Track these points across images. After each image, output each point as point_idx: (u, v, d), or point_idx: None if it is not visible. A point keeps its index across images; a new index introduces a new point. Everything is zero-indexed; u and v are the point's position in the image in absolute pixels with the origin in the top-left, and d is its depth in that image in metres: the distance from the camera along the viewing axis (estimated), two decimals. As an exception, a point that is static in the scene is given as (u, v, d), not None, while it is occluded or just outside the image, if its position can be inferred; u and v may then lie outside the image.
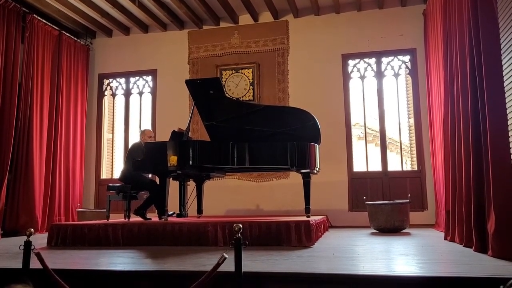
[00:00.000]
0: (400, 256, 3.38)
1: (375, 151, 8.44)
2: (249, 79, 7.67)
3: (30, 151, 6.65)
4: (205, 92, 5.31)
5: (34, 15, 6.97)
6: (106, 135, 8.36)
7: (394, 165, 7.71)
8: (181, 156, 4.80)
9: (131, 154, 5.56)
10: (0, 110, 6.26)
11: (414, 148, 7.12)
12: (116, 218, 5.80)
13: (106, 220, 5.21)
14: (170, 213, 5.44)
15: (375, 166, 7.30)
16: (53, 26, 7.42)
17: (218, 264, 2.33)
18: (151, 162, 5.00)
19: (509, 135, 3.29)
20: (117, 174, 8.06)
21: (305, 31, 7.61)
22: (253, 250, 3.73)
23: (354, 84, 7.52)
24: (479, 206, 3.47)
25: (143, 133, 5.91)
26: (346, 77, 7.44)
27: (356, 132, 8.88)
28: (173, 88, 7.85)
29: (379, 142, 7.44)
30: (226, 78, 7.75)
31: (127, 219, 5.29)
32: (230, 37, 7.87)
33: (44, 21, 7.19)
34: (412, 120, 7.19)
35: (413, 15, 7.11)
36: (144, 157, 5.09)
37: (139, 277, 2.83)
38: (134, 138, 8.08)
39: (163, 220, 4.80)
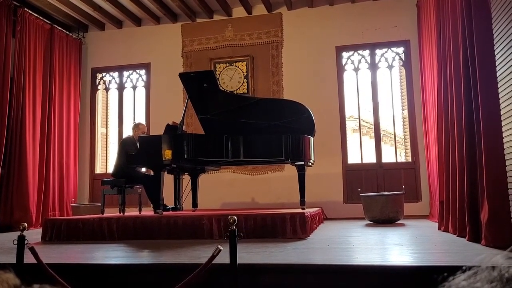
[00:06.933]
0: (394, 246, 3.40)
1: (369, 143, 8.47)
2: (243, 72, 7.63)
3: (23, 146, 6.60)
4: (199, 85, 5.29)
5: (25, 8, 6.89)
6: (100, 130, 8.31)
7: (388, 157, 7.73)
8: (176, 150, 4.78)
9: (123, 148, 5.52)
10: (-8, 105, 6.22)
11: (408, 140, 7.15)
12: (111, 212, 5.79)
13: (100, 215, 5.20)
14: (168, 207, 5.43)
15: (370, 158, 7.32)
16: (44, 20, 7.33)
17: (213, 256, 2.34)
18: (146, 156, 4.98)
19: (502, 125, 3.31)
20: (111, 169, 8.04)
21: (299, 23, 7.58)
22: (248, 242, 3.73)
23: (348, 76, 7.51)
24: (473, 196, 3.49)
25: (136, 127, 5.86)
26: (340, 69, 7.43)
27: (350, 124, 8.89)
28: (167, 82, 7.80)
29: (373, 134, 7.46)
30: (220, 71, 7.71)
31: (121, 213, 5.28)
32: (223, 30, 7.82)
33: (35, 15, 7.11)
34: (406, 112, 7.20)
35: (406, 7, 7.11)
36: (138, 151, 5.08)
37: (135, 271, 2.82)
38: (128, 132, 8.05)
39: (158, 214, 4.79)
